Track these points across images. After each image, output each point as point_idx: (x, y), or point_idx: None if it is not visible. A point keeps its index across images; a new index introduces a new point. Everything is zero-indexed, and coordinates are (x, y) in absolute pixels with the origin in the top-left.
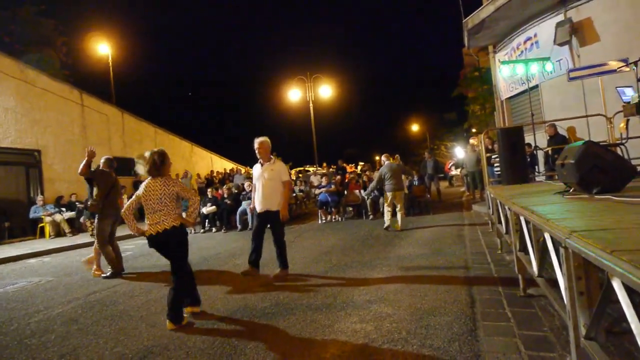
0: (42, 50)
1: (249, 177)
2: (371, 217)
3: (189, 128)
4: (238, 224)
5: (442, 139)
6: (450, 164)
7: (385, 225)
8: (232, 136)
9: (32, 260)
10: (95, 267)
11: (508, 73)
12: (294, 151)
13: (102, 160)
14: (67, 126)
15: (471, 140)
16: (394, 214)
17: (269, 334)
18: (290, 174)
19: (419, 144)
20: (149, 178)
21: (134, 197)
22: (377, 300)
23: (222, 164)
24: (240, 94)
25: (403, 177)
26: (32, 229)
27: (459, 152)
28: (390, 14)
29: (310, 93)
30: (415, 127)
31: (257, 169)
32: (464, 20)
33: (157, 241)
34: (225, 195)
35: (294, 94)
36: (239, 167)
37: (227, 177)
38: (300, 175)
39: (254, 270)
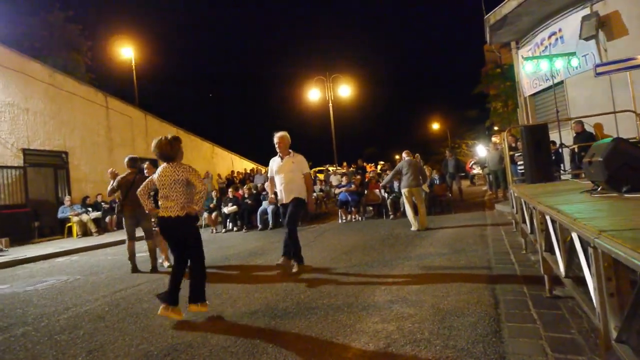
0: (69, 54)
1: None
2: (392, 216)
3: (210, 129)
4: (259, 224)
5: (463, 137)
6: (471, 163)
7: (413, 228)
8: (252, 136)
9: (61, 259)
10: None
11: (532, 69)
12: (314, 151)
13: (125, 160)
14: (93, 128)
15: (493, 138)
16: (417, 213)
17: (290, 334)
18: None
19: (440, 143)
20: (165, 163)
21: (148, 178)
22: (398, 300)
23: (242, 164)
24: (260, 94)
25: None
26: (61, 229)
27: (481, 150)
28: (409, 12)
29: (329, 93)
30: (435, 126)
31: (275, 163)
32: (485, 17)
33: (165, 225)
34: (246, 195)
35: (313, 94)
36: (259, 168)
37: (247, 177)
38: (319, 175)
39: (286, 260)
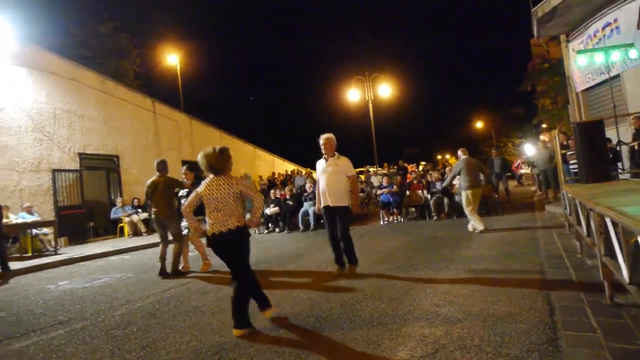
0: (118, 62)
1: (311, 178)
2: (435, 218)
3: (251, 131)
4: (300, 225)
5: (508, 135)
6: (517, 162)
7: (480, 229)
8: (292, 138)
9: (114, 258)
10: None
11: (585, 63)
12: (354, 151)
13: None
14: (142, 132)
15: (542, 137)
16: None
17: (335, 335)
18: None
19: (484, 142)
20: (211, 176)
21: (193, 193)
22: (445, 304)
23: (283, 166)
24: (299, 96)
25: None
26: (113, 229)
27: (529, 149)
28: (451, 7)
29: (369, 92)
30: (479, 124)
31: (320, 164)
32: (532, 9)
33: (218, 241)
34: (288, 197)
35: (352, 94)
36: (300, 169)
37: (288, 179)
38: (360, 176)
39: (340, 269)
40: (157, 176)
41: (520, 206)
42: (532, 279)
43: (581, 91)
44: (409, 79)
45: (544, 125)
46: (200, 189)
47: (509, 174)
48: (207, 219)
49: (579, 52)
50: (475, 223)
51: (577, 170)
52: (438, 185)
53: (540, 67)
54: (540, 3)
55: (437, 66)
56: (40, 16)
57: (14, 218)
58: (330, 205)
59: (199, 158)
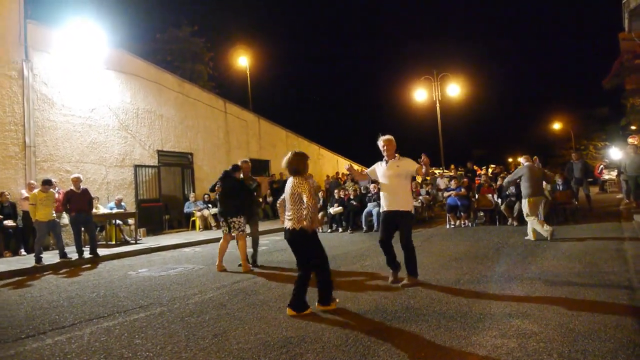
0: (194, 65)
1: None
2: (509, 222)
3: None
4: (364, 225)
5: (590, 138)
6: (600, 167)
7: (545, 235)
8: (356, 137)
9: (187, 249)
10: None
11: None
12: (419, 152)
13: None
14: (214, 131)
15: (630, 139)
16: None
17: (402, 338)
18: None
19: (562, 144)
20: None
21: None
22: (518, 315)
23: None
24: (365, 95)
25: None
26: (186, 222)
27: (614, 153)
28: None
29: (436, 92)
30: (556, 126)
31: (380, 167)
32: (623, 0)
33: (287, 237)
34: (352, 197)
35: (420, 94)
36: (363, 169)
37: (351, 179)
38: (427, 177)
39: (395, 273)
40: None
41: (603, 215)
42: (619, 294)
43: None
44: (479, 77)
45: (633, 127)
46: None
47: (591, 179)
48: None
49: None
50: (538, 230)
51: None
52: (512, 189)
53: (631, 64)
54: None
55: (511, 63)
56: (130, 22)
57: (103, 209)
58: (392, 209)
59: (284, 161)
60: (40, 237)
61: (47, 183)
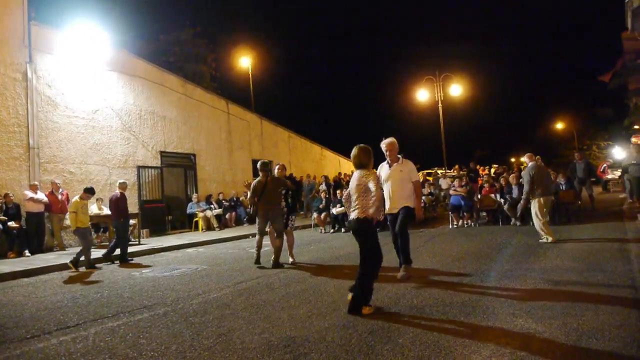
0: (196, 66)
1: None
2: (514, 222)
3: (317, 130)
4: None
5: (593, 138)
6: (603, 166)
7: (547, 240)
8: (358, 138)
9: (190, 250)
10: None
11: None
12: (422, 153)
13: (258, 165)
14: (216, 132)
15: (634, 139)
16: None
17: (405, 337)
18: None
19: (564, 144)
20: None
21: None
22: (522, 314)
23: (349, 166)
24: (366, 96)
25: None
26: (189, 223)
27: (618, 152)
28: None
29: (439, 92)
30: (559, 125)
31: (384, 170)
32: (626, 0)
33: (351, 226)
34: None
35: (422, 94)
36: None
37: None
38: (428, 178)
39: (408, 268)
40: (263, 176)
41: (606, 215)
42: (623, 294)
43: None
44: (481, 78)
45: (637, 127)
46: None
47: (594, 179)
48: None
49: None
50: (544, 233)
51: None
52: (515, 190)
53: (634, 63)
54: None
55: (513, 62)
56: (133, 24)
57: (106, 210)
58: (396, 211)
59: (352, 155)
60: (87, 244)
61: (90, 191)
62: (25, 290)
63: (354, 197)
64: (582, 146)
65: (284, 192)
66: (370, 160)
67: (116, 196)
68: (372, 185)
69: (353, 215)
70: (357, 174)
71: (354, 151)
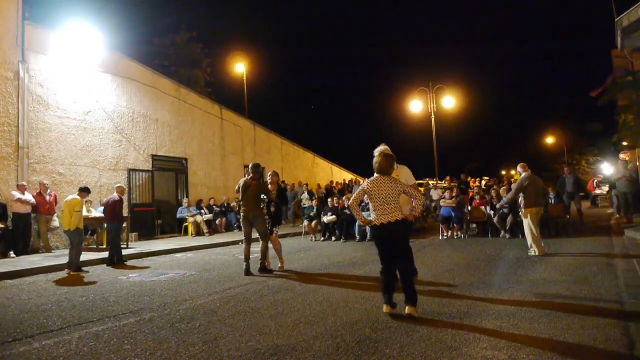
0: (191, 70)
1: None
2: (503, 235)
3: (311, 139)
4: (357, 235)
5: (582, 152)
6: (594, 181)
7: (535, 252)
8: (351, 147)
9: (179, 255)
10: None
11: None
12: (414, 164)
13: (250, 165)
14: (209, 137)
15: (622, 155)
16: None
17: (393, 348)
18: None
19: (554, 158)
20: (377, 174)
21: (359, 190)
22: (509, 326)
23: (341, 175)
24: (360, 106)
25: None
26: (178, 227)
27: (606, 168)
28: (522, 15)
29: (431, 104)
30: (549, 140)
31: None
32: (617, 18)
33: (383, 230)
34: (345, 206)
35: (415, 106)
36: (357, 178)
37: (346, 188)
38: (420, 188)
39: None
40: (250, 177)
41: (594, 229)
42: (609, 308)
43: None
44: (475, 90)
45: (625, 143)
46: (365, 185)
47: (582, 193)
48: (373, 211)
49: None
50: (534, 246)
51: None
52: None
53: (622, 80)
54: (626, 12)
55: (506, 77)
56: (128, 26)
57: (95, 212)
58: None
59: (375, 161)
60: (80, 244)
61: (86, 191)
62: (8, 292)
63: (377, 203)
64: (572, 161)
65: (266, 200)
66: (392, 167)
67: (114, 199)
68: (411, 190)
69: (383, 219)
70: (381, 180)
71: (380, 159)
